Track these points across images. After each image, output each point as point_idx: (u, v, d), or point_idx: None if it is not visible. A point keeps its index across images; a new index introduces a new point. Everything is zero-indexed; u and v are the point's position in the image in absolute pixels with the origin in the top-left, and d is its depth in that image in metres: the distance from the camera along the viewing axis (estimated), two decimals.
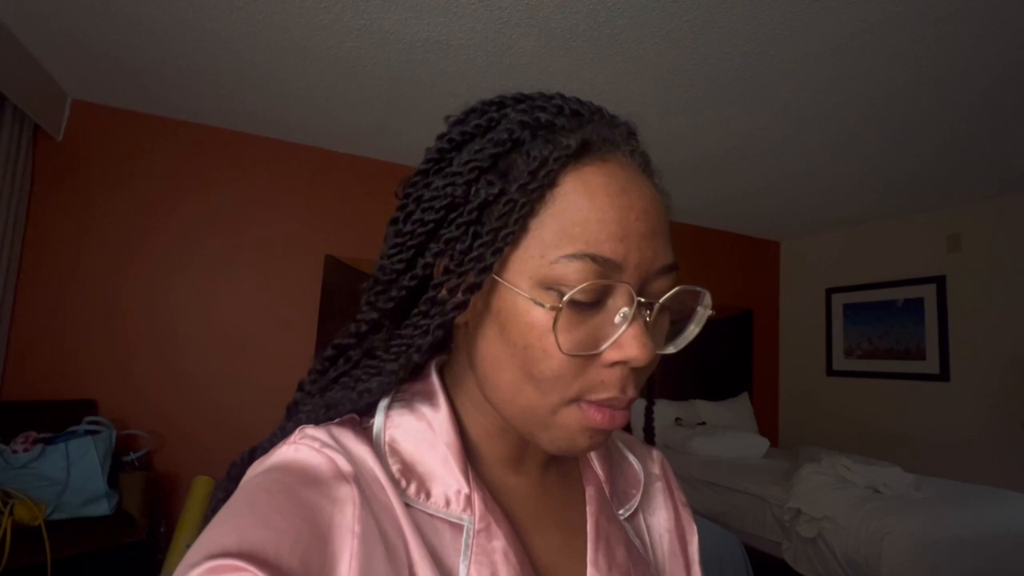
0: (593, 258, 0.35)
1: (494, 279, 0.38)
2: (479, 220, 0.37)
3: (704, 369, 3.91)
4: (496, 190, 0.37)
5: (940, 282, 3.41)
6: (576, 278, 0.35)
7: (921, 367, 3.45)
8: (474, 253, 0.37)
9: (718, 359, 4.03)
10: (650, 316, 0.37)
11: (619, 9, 1.71)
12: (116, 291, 2.55)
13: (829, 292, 4.05)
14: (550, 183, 0.36)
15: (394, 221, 0.42)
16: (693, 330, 0.41)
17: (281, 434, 0.40)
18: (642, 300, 0.36)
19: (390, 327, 0.41)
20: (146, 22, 1.89)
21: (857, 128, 2.44)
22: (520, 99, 0.41)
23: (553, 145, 0.37)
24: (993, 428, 3.07)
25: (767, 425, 4.12)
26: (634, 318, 0.36)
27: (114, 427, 2.21)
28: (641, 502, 0.50)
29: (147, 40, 2.01)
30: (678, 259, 0.39)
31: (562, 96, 0.41)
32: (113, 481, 2.11)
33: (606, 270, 0.35)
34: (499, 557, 0.37)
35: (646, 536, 0.49)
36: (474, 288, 0.37)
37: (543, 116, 0.38)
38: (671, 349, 0.40)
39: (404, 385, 0.44)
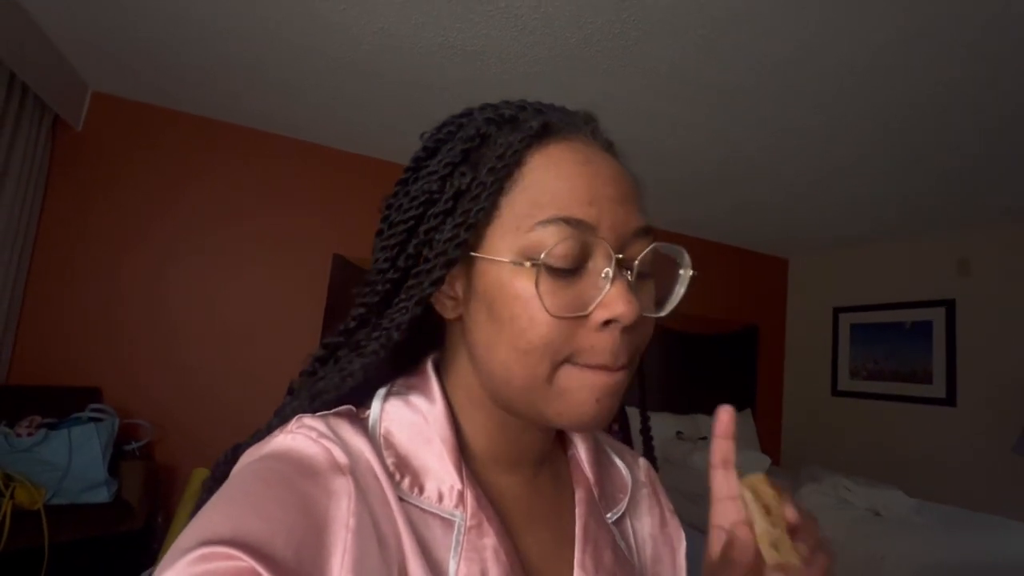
0: (566, 220, 0.36)
1: (475, 257, 0.39)
2: (454, 208, 0.39)
3: (707, 383, 3.88)
4: (468, 179, 0.39)
5: (949, 306, 3.37)
6: (552, 241, 0.36)
7: (927, 391, 3.42)
8: (448, 233, 0.38)
9: (722, 374, 4.01)
10: (631, 276, 0.38)
11: (633, 22, 1.72)
12: (126, 281, 2.58)
13: (836, 311, 4.03)
14: (516, 162, 0.38)
15: (379, 233, 0.44)
16: (679, 291, 0.42)
17: (266, 431, 0.40)
18: (621, 257, 0.37)
19: (376, 321, 0.42)
20: (166, 19, 1.93)
21: (869, 147, 2.44)
22: (486, 107, 0.44)
23: (518, 131, 0.39)
24: (998, 455, 3.03)
25: (769, 443, 4.08)
26: (615, 277, 0.37)
27: (117, 416, 2.23)
28: (628, 507, 0.50)
29: (167, 36, 2.04)
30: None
31: (525, 100, 0.44)
32: (113, 469, 2.13)
33: (580, 231, 0.36)
34: (489, 554, 0.37)
35: (631, 540, 0.50)
36: (450, 263, 0.38)
37: (507, 112, 0.42)
38: (660, 313, 0.41)
39: (400, 379, 0.44)
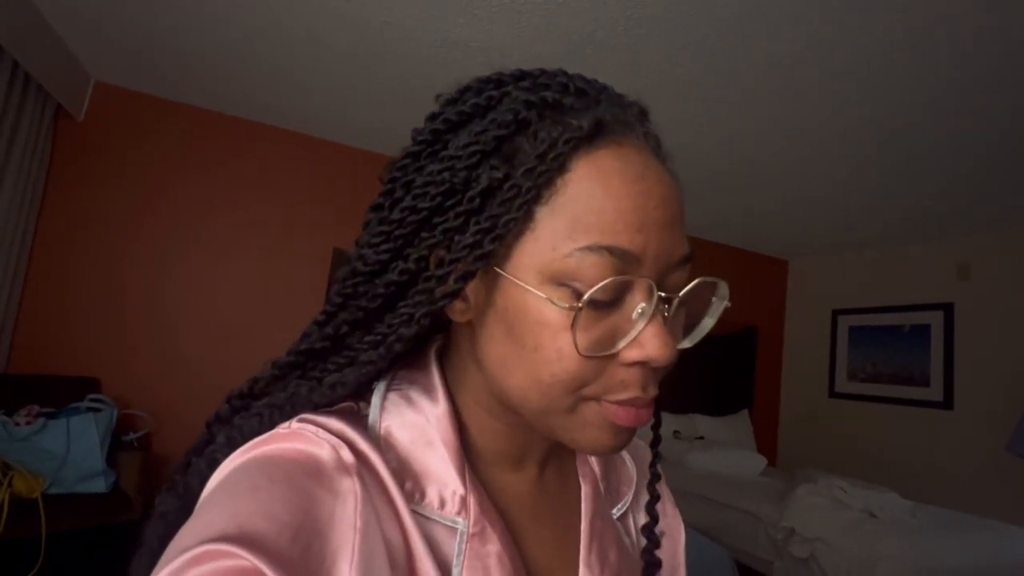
0: (610, 250, 0.32)
1: (498, 273, 0.35)
2: (480, 209, 0.34)
3: (705, 384, 3.89)
4: (501, 175, 0.34)
5: (948, 309, 3.38)
6: (592, 273, 0.32)
7: (925, 394, 3.42)
8: (469, 239, 0.34)
9: (720, 375, 4.01)
10: (669, 311, 0.35)
11: (637, 20, 1.72)
12: (125, 272, 2.58)
13: (835, 313, 4.03)
14: (560, 168, 0.33)
15: (377, 207, 0.38)
16: (708, 323, 0.39)
17: (239, 436, 0.37)
18: (662, 295, 0.34)
19: (372, 326, 0.38)
20: (169, 9, 1.93)
21: (872, 151, 2.44)
22: (520, 76, 0.38)
23: (563, 127, 0.34)
24: (995, 459, 3.03)
25: (766, 444, 4.09)
26: (653, 315, 0.34)
27: (116, 406, 2.24)
28: (632, 501, 0.50)
29: (169, 26, 2.04)
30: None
31: (566, 73, 0.38)
32: (111, 460, 2.13)
33: (624, 263, 0.33)
34: (493, 561, 0.36)
35: (634, 535, 0.49)
36: (468, 276, 0.34)
37: (549, 95, 0.35)
38: (686, 343, 0.38)
39: (401, 372, 0.42)
